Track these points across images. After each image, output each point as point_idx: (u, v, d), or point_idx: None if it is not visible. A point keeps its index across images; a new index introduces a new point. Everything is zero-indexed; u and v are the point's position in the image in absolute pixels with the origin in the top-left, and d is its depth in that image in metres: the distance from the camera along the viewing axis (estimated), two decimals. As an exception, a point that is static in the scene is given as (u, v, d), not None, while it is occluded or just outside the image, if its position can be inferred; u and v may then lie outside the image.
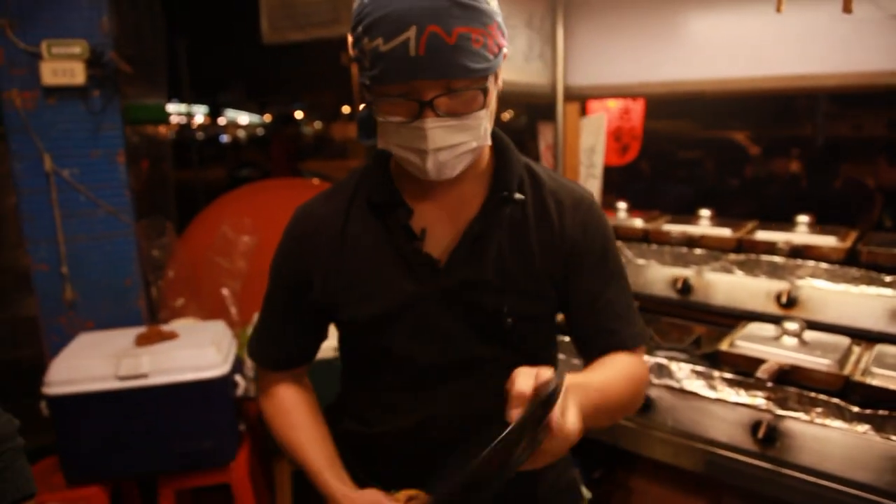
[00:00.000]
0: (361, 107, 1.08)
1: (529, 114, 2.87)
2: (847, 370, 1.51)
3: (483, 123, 0.99)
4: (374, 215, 1.10)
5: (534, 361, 0.91)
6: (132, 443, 2.17)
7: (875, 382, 1.43)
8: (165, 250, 2.60)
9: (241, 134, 14.06)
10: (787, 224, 2.03)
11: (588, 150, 2.73)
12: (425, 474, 1.12)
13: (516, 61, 2.52)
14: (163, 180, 3.34)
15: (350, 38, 0.97)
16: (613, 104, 3.19)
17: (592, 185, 2.79)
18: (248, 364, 2.41)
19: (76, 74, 2.24)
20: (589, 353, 1.12)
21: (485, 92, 0.95)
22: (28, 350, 2.41)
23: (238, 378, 2.34)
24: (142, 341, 2.27)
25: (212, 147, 11.24)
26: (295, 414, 1.19)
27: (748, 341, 1.65)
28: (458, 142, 0.97)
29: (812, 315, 1.82)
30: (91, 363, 2.15)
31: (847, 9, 1.27)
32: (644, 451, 1.75)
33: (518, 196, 1.08)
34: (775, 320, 1.79)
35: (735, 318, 1.91)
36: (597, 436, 1.79)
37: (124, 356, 2.17)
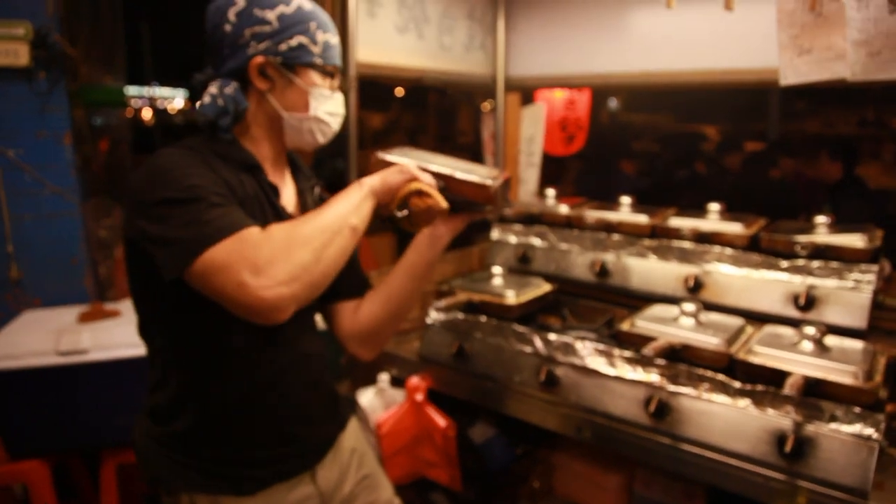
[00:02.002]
0: (228, 88, 1.24)
1: (473, 103, 2.94)
2: (734, 349, 1.61)
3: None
4: (244, 173, 1.26)
5: None
6: (73, 417, 2.23)
7: (755, 360, 1.53)
8: (113, 231, 2.65)
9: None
10: (701, 212, 2.13)
11: (528, 139, 2.82)
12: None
13: (457, 51, 2.59)
14: (121, 163, 3.37)
15: (278, 35, 1.23)
16: (560, 94, 3.27)
17: (531, 173, 2.88)
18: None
19: (20, 56, 2.28)
20: None
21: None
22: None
23: (180, 355, 2.41)
24: (84, 318, 2.34)
25: (190, 131, 11.12)
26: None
27: (647, 321, 1.74)
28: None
29: (716, 298, 1.92)
30: (32, 339, 2.21)
31: (728, 6, 1.36)
32: (561, 429, 1.84)
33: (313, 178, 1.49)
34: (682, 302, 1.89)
35: (649, 300, 2.01)
36: (522, 415, 1.87)
37: (65, 333, 2.23)
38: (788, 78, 1.39)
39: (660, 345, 1.60)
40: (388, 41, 2.28)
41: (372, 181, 1.23)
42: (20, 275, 2.50)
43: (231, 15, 1.24)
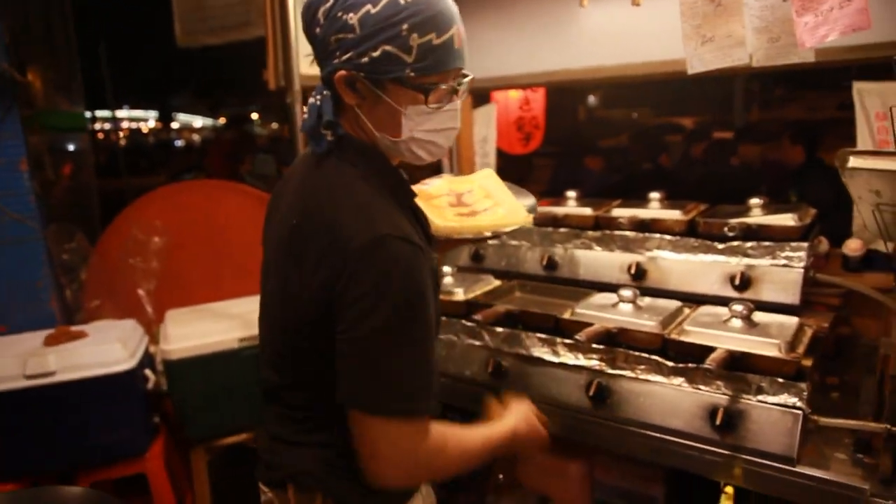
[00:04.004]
0: (320, 97, 1.15)
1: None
2: (667, 330, 1.66)
3: None
4: (408, 208, 1.21)
5: None
6: (45, 439, 2.26)
7: (685, 339, 1.59)
8: (76, 254, 2.69)
9: (196, 137, 14.06)
10: (643, 201, 2.19)
11: (481, 140, 2.88)
12: None
13: (404, 58, 2.65)
14: (86, 186, 3.41)
15: (365, 45, 1.06)
16: (515, 95, 3.34)
17: (489, 173, 2.94)
18: (159, 359, 2.51)
19: (-29, 86, 2.33)
20: None
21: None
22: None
23: (148, 373, 2.45)
24: (50, 341, 2.37)
25: (163, 152, 11.23)
26: (466, 431, 1.24)
27: (588, 309, 1.80)
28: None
29: (659, 283, 1.98)
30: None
31: (635, 2, 1.42)
32: None
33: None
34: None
35: (597, 289, 2.06)
36: (476, 409, 1.90)
37: (31, 356, 2.26)
38: (695, 67, 1.45)
39: (594, 330, 1.66)
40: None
41: (521, 444, 1.35)
42: (-15, 302, 2.53)
43: (320, 15, 1.10)
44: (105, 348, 2.32)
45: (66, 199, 3.16)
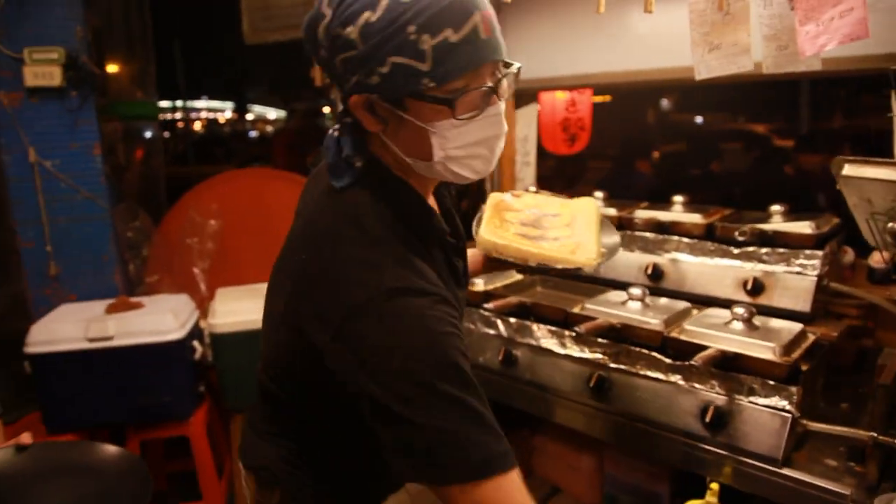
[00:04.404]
0: (333, 131, 1.04)
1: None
2: (668, 329, 1.71)
3: None
4: (434, 246, 1.07)
5: None
6: (101, 396, 2.50)
7: (683, 337, 1.63)
8: (140, 232, 2.93)
9: (269, 129, 14.59)
10: (667, 204, 2.22)
11: (522, 139, 2.95)
12: None
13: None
14: (155, 171, 3.68)
15: (369, 60, 0.90)
16: (561, 96, 3.39)
17: (527, 172, 3.01)
18: (207, 332, 2.71)
19: (54, 77, 2.58)
20: None
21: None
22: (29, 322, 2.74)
23: (196, 344, 2.65)
24: (111, 310, 2.60)
25: (238, 141, 11.74)
26: None
27: (597, 305, 1.86)
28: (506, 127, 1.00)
29: (675, 285, 2.01)
30: (65, 327, 2.49)
31: (647, 9, 1.48)
32: (525, 406, 1.97)
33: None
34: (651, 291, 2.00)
35: (615, 288, 2.11)
36: (513, 403, 1.99)
37: (93, 321, 2.50)
38: (702, 73, 1.49)
39: (597, 324, 1.72)
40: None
41: None
42: (58, 271, 2.79)
43: (321, 34, 0.95)
44: (158, 318, 2.53)
45: (137, 183, 3.43)
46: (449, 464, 0.87)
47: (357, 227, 0.96)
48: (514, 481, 0.90)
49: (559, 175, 4.61)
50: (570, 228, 1.45)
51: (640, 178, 4.51)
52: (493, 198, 1.55)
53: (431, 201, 1.13)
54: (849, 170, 1.27)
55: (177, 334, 2.52)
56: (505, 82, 0.96)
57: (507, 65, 0.97)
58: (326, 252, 0.96)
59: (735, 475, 1.51)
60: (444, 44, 0.87)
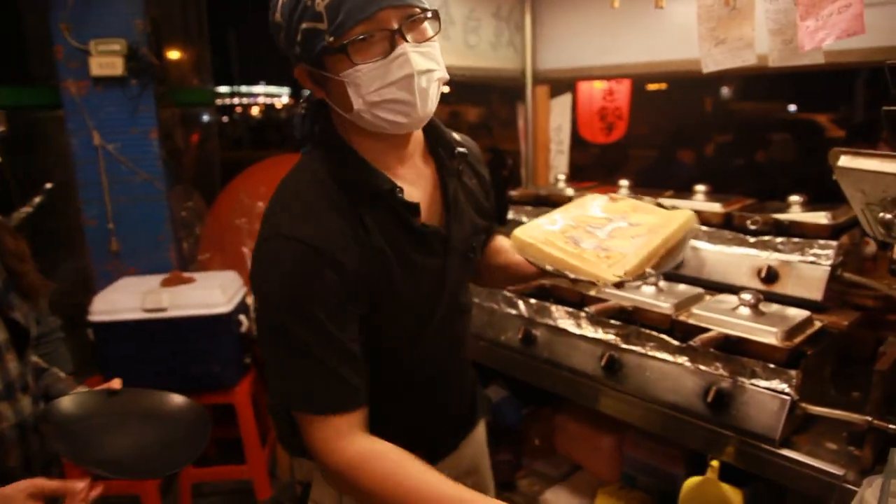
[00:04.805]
0: (300, 108, 1.16)
1: (508, 97, 3.18)
2: (678, 312, 1.77)
3: (440, 57, 1.07)
4: (371, 205, 1.09)
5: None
6: (155, 363, 2.70)
7: (690, 321, 1.69)
8: (193, 213, 3.13)
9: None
10: (689, 193, 2.26)
11: (556, 128, 3.02)
12: (427, 419, 1.31)
13: (484, 49, 2.84)
14: (210, 155, 3.90)
15: (291, 34, 1.02)
16: (599, 86, 3.43)
17: (561, 160, 3.08)
18: (252, 307, 2.89)
19: (117, 67, 2.78)
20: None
21: (436, 27, 1.06)
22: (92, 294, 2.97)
23: (242, 318, 2.83)
24: (165, 283, 2.80)
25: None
26: (410, 464, 1.03)
27: (612, 288, 1.93)
28: (432, 67, 1.03)
29: (693, 272, 2.06)
30: (124, 298, 2.70)
31: (658, 4, 1.54)
32: (537, 382, 2.06)
33: (461, 148, 1.22)
34: (666, 277, 2.06)
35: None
36: (531, 380, 2.09)
37: (149, 293, 2.70)
38: (708, 66, 1.55)
39: (608, 305, 1.80)
40: (413, 43, 2.56)
41: None
42: (119, 247, 3.02)
43: (271, 29, 1.08)
44: (208, 293, 2.72)
45: (193, 166, 3.64)
46: (291, 393, 1.08)
47: (294, 181, 1.11)
48: (330, 425, 1.06)
49: (599, 163, 4.63)
50: (629, 243, 1.26)
51: (681, 169, 4.50)
52: (581, 201, 1.44)
53: (413, 169, 1.18)
54: (844, 161, 1.31)
55: (224, 308, 2.71)
56: (410, 26, 1.01)
57: (415, 7, 1.02)
58: (270, 202, 1.12)
59: (736, 454, 1.57)
60: (333, 1, 0.96)
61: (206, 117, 4.09)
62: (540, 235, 1.30)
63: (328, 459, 1.06)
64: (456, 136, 1.31)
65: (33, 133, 3.22)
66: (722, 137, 6.18)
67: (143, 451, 1.32)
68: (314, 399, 1.06)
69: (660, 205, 1.42)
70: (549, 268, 1.25)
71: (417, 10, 1.01)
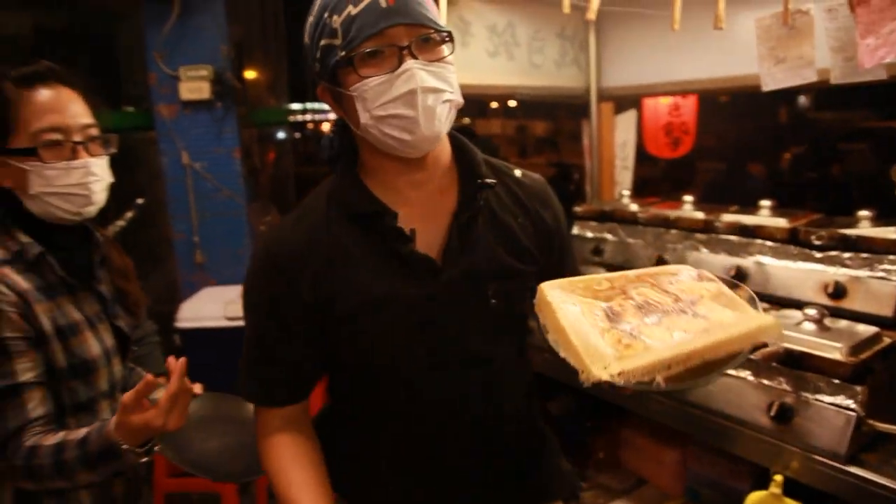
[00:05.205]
0: (329, 131, 1.21)
1: (574, 112, 3.23)
2: (742, 326, 1.78)
3: (454, 79, 1.06)
4: (357, 227, 1.10)
5: (509, 337, 1.19)
6: (235, 369, 2.87)
7: (752, 335, 1.70)
8: (270, 227, 3.31)
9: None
10: (755, 208, 2.26)
11: (621, 144, 3.05)
12: (435, 483, 1.20)
13: (548, 68, 2.91)
14: (285, 172, 4.10)
15: (313, 52, 1.06)
16: (665, 101, 3.44)
17: (626, 175, 3.10)
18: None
19: (204, 91, 2.99)
20: None
21: (450, 48, 1.05)
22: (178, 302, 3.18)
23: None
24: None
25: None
26: (293, 470, 1.15)
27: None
28: (441, 87, 1.02)
29: (759, 287, 2.06)
30: (208, 307, 2.89)
31: (717, 25, 1.58)
32: (628, 404, 2.08)
33: (490, 180, 1.14)
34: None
35: (701, 289, 2.19)
36: (596, 393, 2.13)
37: (230, 303, 2.88)
38: (768, 85, 1.57)
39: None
40: (479, 64, 2.66)
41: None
42: (203, 259, 3.23)
43: (304, 41, 1.11)
44: (283, 303, 2.87)
45: (269, 182, 3.85)
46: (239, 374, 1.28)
47: (307, 198, 1.19)
48: (260, 418, 1.23)
49: (666, 177, 4.60)
50: (674, 333, 0.98)
51: (751, 182, 4.42)
52: (663, 269, 1.16)
53: (427, 195, 1.14)
54: (908, 177, 1.32)
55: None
56: (420, 45, 1.00)
57: (431, 29, 1.02)
58: None
59: (801, 469, 1.57)
60: (347, 17, 0.98)
61: (281, 134, 4.32)
62: (567, 298, 1.04)
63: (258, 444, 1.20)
64: (518, 171, 1.26)
65: (126, 152, 3.47)
66: (795, 149, 6.00)
67: (226, 454, 1.43)
68: (241, 382, 1.22)
69: (753, 301, 1.12)
70: (549, 337, 1.02)
71: (431, 29, 1.02)
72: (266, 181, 3.75)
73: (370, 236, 1.10)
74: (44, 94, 1.25)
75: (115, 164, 1.36)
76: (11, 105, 1.23)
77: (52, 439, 1.22)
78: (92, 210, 1.33)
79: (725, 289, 1.11)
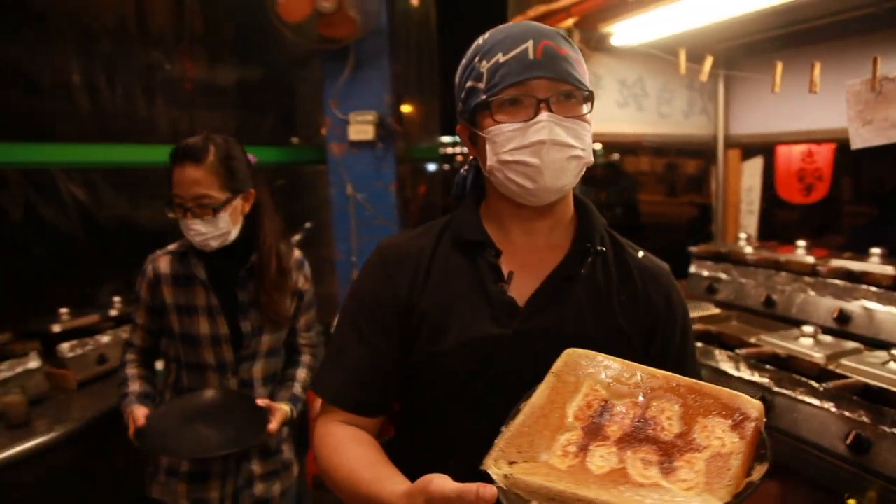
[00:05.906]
0: (463, 169, 1.29)
1: (703, 155, 3.41)
2: (827, 362, 1.92)
3: (589, 139, 1.08)
4: (461, 254, 1.14)
5: None
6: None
7: (837, 370, 1.85)
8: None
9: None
10: (865, 255, 2.35)
11: (747, 189, 3.19)
12: None
13: (676, 118, 3.14)
14: (433, 202, 4.57)
15: (459, 92, 1.14)
16: (798, 148, 3.52)
17: (750, 220, 3.23)
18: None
19: (368, 133, 3.51)
20: None
21: (589, 107, 1.08)
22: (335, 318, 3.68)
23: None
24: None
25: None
26: (352, 448, 1.09)
27: (772, 338, 2.11)
28: (570, 142, 1.04)
29: (861, 330, 2.17)
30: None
31: (812, 90, 1.79)
32: None
33: (600, 248, 1.14)
34: (832, 332, 2.20)
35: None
36: None
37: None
38: (856, 143, 1.75)
39: (761, 350, 2.00)
40: (608, 114, 2.96)
41: None
42: (359, 278, 3.73)
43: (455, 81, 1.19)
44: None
45: (419, 212, 4.33)
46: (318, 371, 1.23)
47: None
48: (323, 417, 1.17)
49: (802, 223, 4.54)
50: (625, 465, 0.82)
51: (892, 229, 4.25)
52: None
53: (536, 246, 1.16)
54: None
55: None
56: (557, 100, 1.04)
57: (570, 84, 1.05)
58: None
59: (878, 499, 1.70)
60: (495, 64, 1.05)
61: (431, 166, 4.79)
62: (571, 373, 0.97)
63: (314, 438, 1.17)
64: (641, 252, 1.23)
65: (297, 182, 4.09)
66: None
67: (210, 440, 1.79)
68: (317, 382, 1.19)
69: (751, 486, 0.81)
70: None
71: (572, 86, 1.06)
72: (416, 210, 4.22)
73: (469, 265, 1.13)
74: (178, 171, 1.78)
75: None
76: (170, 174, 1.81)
77: (129, 369, 1.92)
78: (212, 245, 1.82)
79: (733, 458, 0.82)
